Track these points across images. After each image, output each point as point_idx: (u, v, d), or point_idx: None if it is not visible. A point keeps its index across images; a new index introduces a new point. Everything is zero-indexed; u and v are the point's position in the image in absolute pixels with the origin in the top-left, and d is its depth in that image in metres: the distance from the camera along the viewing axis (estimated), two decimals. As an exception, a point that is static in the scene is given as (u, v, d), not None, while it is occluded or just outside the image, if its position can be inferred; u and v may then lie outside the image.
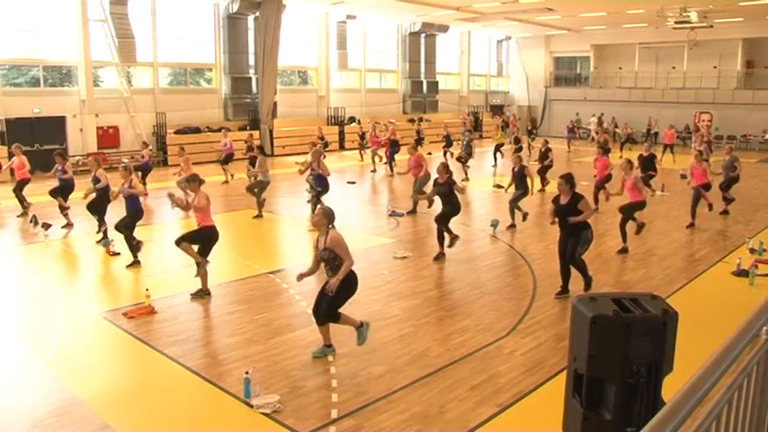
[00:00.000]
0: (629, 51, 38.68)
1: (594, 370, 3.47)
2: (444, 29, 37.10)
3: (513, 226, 13.53)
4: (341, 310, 6.92)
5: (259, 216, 14.71)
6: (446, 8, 29.85)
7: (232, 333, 7.99)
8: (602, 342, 3.43)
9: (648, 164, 16.58)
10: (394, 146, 22.05)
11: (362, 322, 7.08)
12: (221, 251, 9.16)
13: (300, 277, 7.21)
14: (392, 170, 21.77)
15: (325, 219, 6.89)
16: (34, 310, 9.11)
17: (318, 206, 7.14)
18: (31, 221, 14.14)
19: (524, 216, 13.41)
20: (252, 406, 5.96)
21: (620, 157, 16.44)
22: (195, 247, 9.01)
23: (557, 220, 9.04)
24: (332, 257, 6.78)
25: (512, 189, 13.66)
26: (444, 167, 11.26)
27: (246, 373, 6.20)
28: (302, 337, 7.64)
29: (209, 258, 9.13)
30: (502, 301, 9.13)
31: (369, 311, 8.30)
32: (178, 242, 9.03)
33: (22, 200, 15.11)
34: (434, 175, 11.63)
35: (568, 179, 8.83)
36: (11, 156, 15.75)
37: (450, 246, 11.24)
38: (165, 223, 14.59)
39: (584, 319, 3.49)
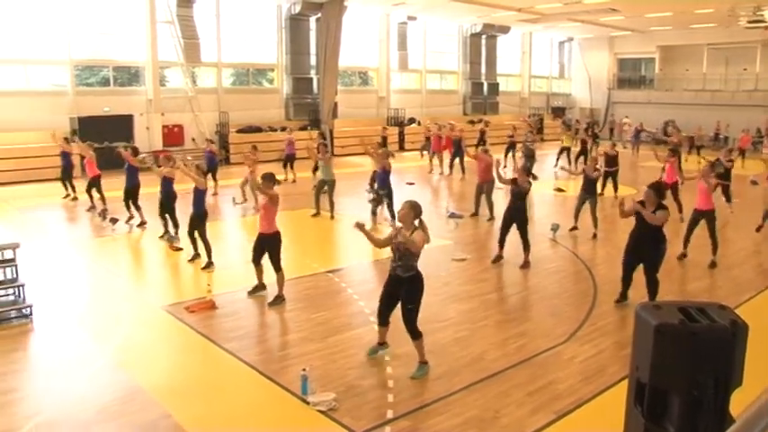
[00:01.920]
0: (696, 52, 37.52)
1: (658, 380, 3.38)
2: (505, 30, 36.76)
3: (574, 229, 13.32)
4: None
5: (331, 216, 14.75)
6: (507, 9, 29.57)
7: (290, 330, 8.11)
8: (667, 351, 3.34)
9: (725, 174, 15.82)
10: (456, 148, 21.91)
11: (427, 362, 6.83)
12: (281, 249, 9.25)
13: (361, 228, 6.80)
14: (452, 171, 21.67)
15: (411, 212, 6.70)
16: (101, 301, 9.42)
17: (406, 200, 6.96)
18: (99, 216, 14.65)
19: (593, 235, 13.13)
20: (308, 403, 6.03)
21: (700, 162, 15.87)
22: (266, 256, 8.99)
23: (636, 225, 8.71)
24: (407, 253, 6.63)
25: (577, 191, 13.49)
26: (525, 170, 11.15)
27: (303, 370, 6.27)
28: (359, 336, 7.69)
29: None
30: (561, 306, 9.00)
31: (426, 313, 8.24)
32: (255, 262, 9.07)
33: (91, 196, 15.64)
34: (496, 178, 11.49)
35: (658, 190, 8.54)
36: (82, 153, 16.32)
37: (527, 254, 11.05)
38: (228, 221, 14.87)
39: (648, 327, 3.41)
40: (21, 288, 8.79)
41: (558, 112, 41.66)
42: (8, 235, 9.84)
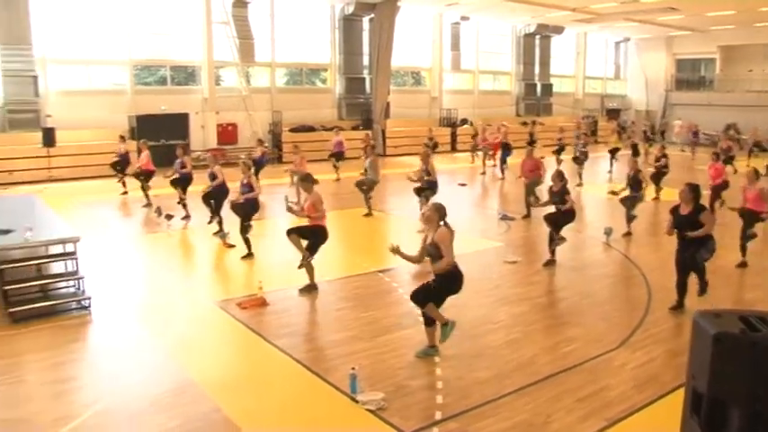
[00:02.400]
0: (760, 52, 36.26)
1: (716, 391, 3.30)
2: (560, 30, 36.29)
3: (628, 234, 13.09)
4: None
5: (369, 214, 14.92)
6: (562, 9, 29.20)
7: (339, 329, 8.16)
8: (726, 362, 3.26)
9: None
10: (505, 149, 21.77)
11: (449, 320, 7.04)
12: (331, 248, 9.36)
13: (396, 251, 6.98)
14: (503, 173, 21.53)
15: (436, 214, 6.91)
16: (156, 295, 9.64)
17: (432, 203, 7.15)
18: (155, 212, 15.00)
19: (626, 233, 12.95)
20: (357, 402, 6.06)
21: (747, 165, 15.55)
22: (304, 243, 9.21)
23: (675, 231, 8.59)
24: (437, 253, 6.78)
25: (625, 192, 13.32)
26: (559, 175, 11.02)
27: (353, 369, 6.30)
28: (409, 336, 7.69)
29: (315, 257, 9.27)
30: (613, 311, 8.84)
31: (476, 315, 8.26)
32: (289, 232, 9.28)
33: (146, 193, 16.02)
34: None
35: (693, 188, 8.38)
36: (139, 151, 16.74)
37: (551, 247, 10.93)
38: (278, 219, 15.03)
39: (706, 336, 3.33)
40: (80, 281, 9.08)
41: (613, 114, 40.90)
42: (69, 229, 10.12)
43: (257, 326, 8.10)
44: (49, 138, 20.96)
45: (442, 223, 6.88)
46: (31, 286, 9.03)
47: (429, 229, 7.00)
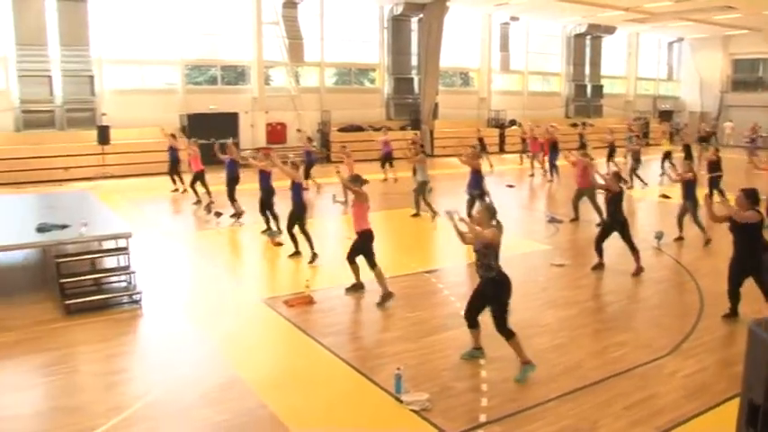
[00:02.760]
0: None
1: (773, 401, 3.21)
2: (611, 30, 35.75)
3: (680, 239, 12.80)
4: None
5: (416, 215, 14.91)
6: (614, 9, 28.76)
7: (385, 329, 8.18)
8: (784, 372, 3.17)
9: None
10: (554, 151, 21.53)
11: (531, 362, 6.72)
12: (378, 248, 9.36)
13: (451, 216, 7.04)
14: (552, 175, 21.31)
15: (486, 213, 6.84)
16: (204, 291, 9.82)
17: (482, 203, 7.10)
18: (204, 209, 15.28)
19: (706, 241, 12.58)
20: (402, 402, 6.06)
21: None
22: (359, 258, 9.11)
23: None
24: (484, 253, 6.70)
25: (679, 198, 13.00)
26: (616, 177, 10.80)
27: (398, 369, 6.31)
28: (455, 337, 7.66)
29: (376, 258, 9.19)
30: (663, 317, 8.65)
31: (522, 318, 8.17)
32: (350, 260, 9.16)
33: (196, 190, 16.31)
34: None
35: (750, 194, 8.16)
36: (190, 149, 17.03)
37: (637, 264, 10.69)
38: (326, 218, 15.15)
39: (763, 346, 3.24)
40: (132, 275, 9.29)
41: (666, 116, 40.06)
42: (122, 225, 10.37)
43: (304, 324, 8.17)
44: (103, 136, 21.51)
45: (493, 223, 6.77)
46: (85, 280, 9.31)
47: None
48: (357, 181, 9.27)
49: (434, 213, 14.67)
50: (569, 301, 9.23)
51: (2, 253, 9.70)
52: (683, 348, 7.53)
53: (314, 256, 11.02)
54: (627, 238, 10.51)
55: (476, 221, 6.92)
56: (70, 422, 5.74)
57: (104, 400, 6.16)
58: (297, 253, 11.31)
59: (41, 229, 9.50)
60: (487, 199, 13.39)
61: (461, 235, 7.08)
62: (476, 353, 7.04)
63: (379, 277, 8.94)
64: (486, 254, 6.67)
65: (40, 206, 12.37)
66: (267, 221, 12.89)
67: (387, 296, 8.92)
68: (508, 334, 6.69)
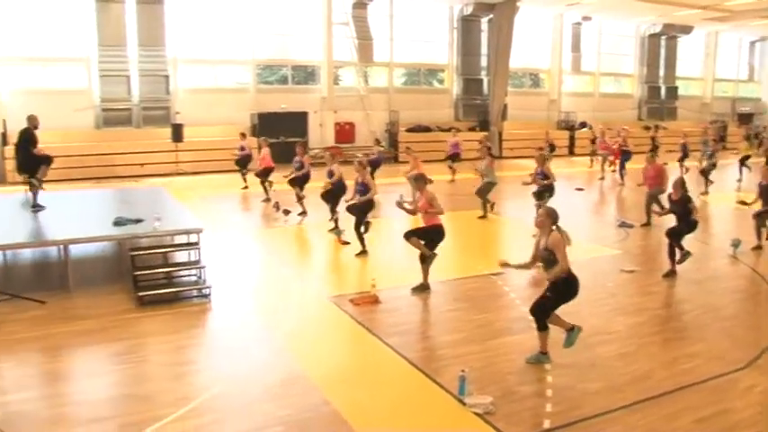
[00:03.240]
0: None
1: None
2: (687, 30, 34.67)
3: (758, 247, 12.30)
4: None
5: (483, 217, 14.81)
6: (692, 7, 27.91)
7: (450, 330, 8.14)
8: None
9: None
10: (625, 154, 21.01)
11: (574, 326, 6.90)
12: (444, 249, 9.34)
13: (505, 265, 7.30)
14: (622, 178, 20.83)
15: (548, 219, 6.76)
16: (271, 287, 9.97)
17: (543, 207, 7.02)
18: (273, 207, 15.55)
19: (756, 246, 12.11)
20: (465, 404, 6.01)
21: None
22: (422, 242, 9.26)
23: None
24: (550, 258, 6.66)
25: (757, 205, 12.48)
26: (680, 183, 10.49)
27: (462, 371, 6.26)
28: (520, 341, 7.56)
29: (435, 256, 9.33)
30: (739, 329, 8.32)
31: (589, 324, 7.99)
32: (407, 236, 9.34)
33: (266, 188, 16.57)
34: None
35: None
36: (260, 148, 17.36)
37: (679, 262, 10.44)
38: (392, 218, 15.17)
39: None
40: (202, 270, 9.52)
41: (745, 119, 38.55)
42: (193, 220, 10.64)
43: (369, 323, 8.20)
44: (177, 133, 22.12)
45: (554, 228, 6.74)
46: (157, 273, 9.59)
47: (542, 234, 6.88)
48: (423, 182, 9.28)
49: (486, 211, 14.60)
50: (639, 308, 8.99)
51: (82, 245, 10.07)
52: (760, 362, 7.20)
53: (363, 252, 11.30)
54: (677, 239, 10.27)
55: (537, 225, 6.92)
56: (140, 410, 5.92)
57: (173, 390, 6.32)
58: (363, 252, 11.39)
59: (118, 222, 9.87)
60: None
61: (522, 267, 7.28)
62: (542, 357, 6.93)
63: (425, 271, 9.19)
64: (553, 259, 6.64)
65: (116, 200, 12.85)
66: (336, 220, 12.99)
67: (423, 287, 9.20)
68: (543, 325, 6.82)
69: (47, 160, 11.05)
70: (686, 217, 10.33)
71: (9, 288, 8.93)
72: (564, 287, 6.73)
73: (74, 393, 6.39)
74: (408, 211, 9.75)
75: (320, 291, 9.62)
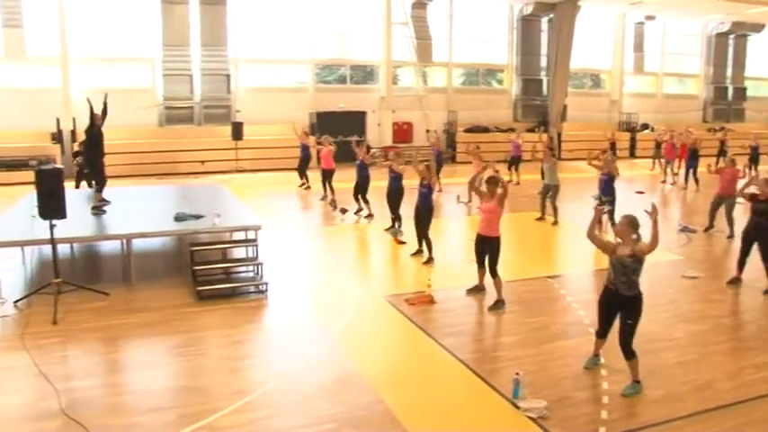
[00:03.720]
0: None
1: None
2: (758, 28, 33.48)
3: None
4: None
5: (541, 218, 14.59)
6: (764, 5, 26.92)
7: (505, 332, 8.07)
8: None
9: None
10: (693, 157, 20.38)
11: (640, 381, 6.42)
12: (501, 251, 9.23)
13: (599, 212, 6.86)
14: (686, 182, 20.28)
15: (629, 228, 6.39)
16: (327, 285, 10.05)
17: (624, 215, 6.62)
18: (330, 204, 15.67)
19: None
20: (518, 408, 5.94)
21: None
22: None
23: None
24: (632, 269, 6.29)
25: None
26: (766, 182, 10.01)
27: (517, 374, 6.20)
28: (576, 346, 7.43)
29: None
30: (810, 341, 7.99)
31: (649, 330, 7.78)
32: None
33: (326, 187, 16.65)
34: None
35: None
36: (320, 147, 17.47)
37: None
38: (451, 218, 15.13)
39: None
40: (260, 266, 9.66)
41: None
42: (252, 217, 10.81)
43: (424, 323, 8.18)
44: (237, 132, 22.50)
45: (634, 237, 6.37)
46: (216, 268, 9.77)
47: (622, 245, 6.40)
48: (496, 183, 8.93)
49: (557, 216, 14.36)
50: (701, 316, 8.72)
51: (144, 239, 10.34)
52: (831, 377, 6.91)
53: (430, 259, 10.99)
54: (764, 250, 9.78)
55: (617, 234, 6.52)
56: (196, 401, 6.04)
57: (229, 384, 6.43)
58: (420, 251, 11.31)
59: (178, 218, 10.11)
60: (608, 207, 12.85)
61: (597, 239, 6.81)
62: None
63: (498, 286, 8.77)
64: (636, 270, 6.31)
65: (177, 197, 13.14)
66: (394, 219, 12.98)
67: (499, 303, 8.77)
68: (631, 353, 6.38)
69: (100, 180, 11.20)
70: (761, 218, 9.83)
71: (75, 279, 9.23)
72: (640, 306, 6.40)
73: (134, 383, 6.57)
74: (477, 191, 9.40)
75: (376, 290, 9.65)
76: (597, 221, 6.82)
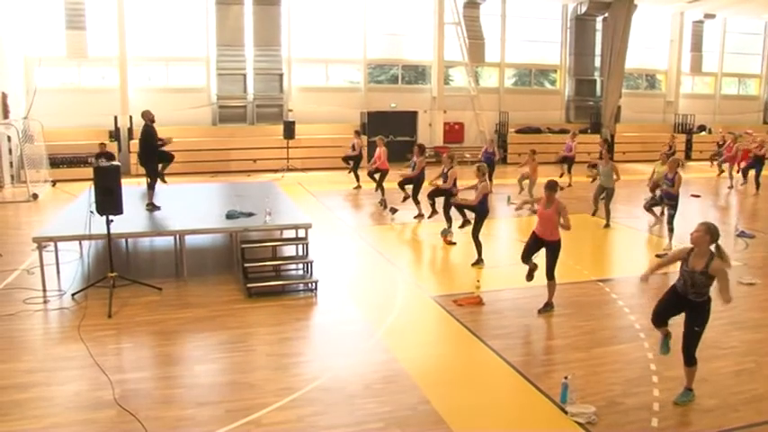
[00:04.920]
0: None
1: None
2: (825, 27, 32.31)
3: None
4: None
5: (606, 224, 14.16)
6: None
7: (554, 336, 7.99)
8: None
9: None
10: (759, 162, 19.74)
11: (693, 389, 6.24)
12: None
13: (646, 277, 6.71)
14: (757, 189, 19.60)
15: (707, 236, 5.96)
16: (376, 285, 10.07)
17: (702, 222, 6.17)
18: (379, 203, 15.73)
19: None
20: (566, 412, 5.88)
21: None
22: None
23: None
24: (706, 284, 5.99)
25: None
26: None
27: (565, 378, 6.13)
28: (626, 351, 7.32)
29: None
30: None
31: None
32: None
33: (379, 187, 16.58)
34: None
35: None
36: (375, 147, 17.48)
37: None
38: (502, 220, 15.00)
39: None
40: (309, 264, 9.76)
41: None
42: (302, 215, 10.91)
43: (472, 324, 8.16)
44: (289, 130, 22.72)
45: (713, 248, 6.02)
46: (266, 266, 9.91)
47: (696, 255, 6.03)
48: (554, 189, 8.69)
49: (609, 219, 14.10)
50: (759, 324, 8.48)
51: (196, 236, 10.54)
52: None
53: (479, 261, 10.91)
54: None
55: (693, 242, 6.10)
56: (245, 397, 6.14)
57: (276, 380, 6.52)
58: (479, 260, 10.96)
59: (230, 215, 10.28)
60: (670, 211, 12.54)
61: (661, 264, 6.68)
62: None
63: (552, 288, 8.66)
64: (707, 285, 6.02)
65: (229, 194, 13.35)
66: (448, 221, 12.90)
67: (548, 306, 8.67)
68: (693, 360, 6.17)
69: (168, 157, 11.58)
70: None
71: (129, 274, 9.48)
72: (708, 311, 6.13)
73: (184, 377, 6.71)
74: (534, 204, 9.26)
75: (424, 290, 9.65)
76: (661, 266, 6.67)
